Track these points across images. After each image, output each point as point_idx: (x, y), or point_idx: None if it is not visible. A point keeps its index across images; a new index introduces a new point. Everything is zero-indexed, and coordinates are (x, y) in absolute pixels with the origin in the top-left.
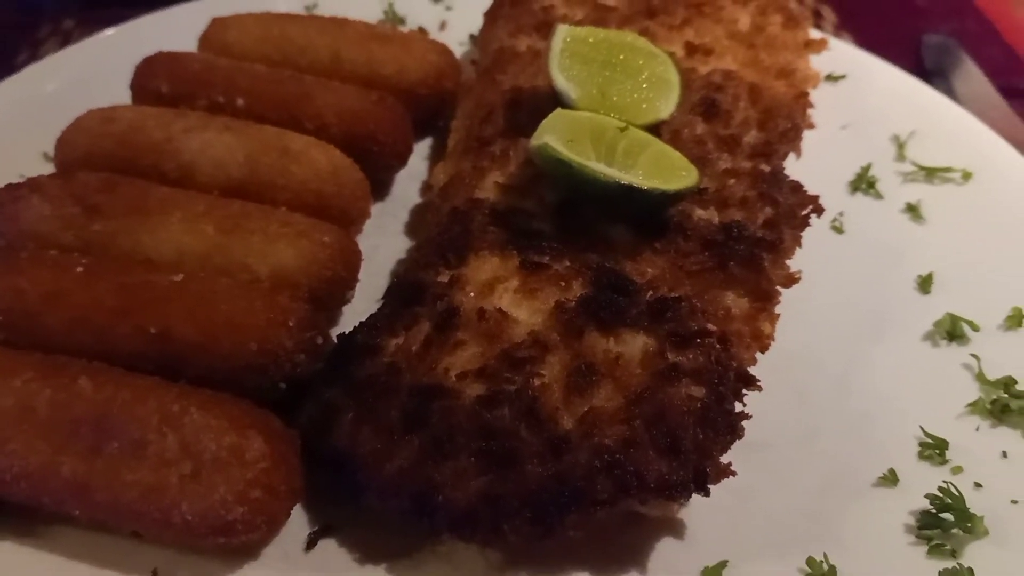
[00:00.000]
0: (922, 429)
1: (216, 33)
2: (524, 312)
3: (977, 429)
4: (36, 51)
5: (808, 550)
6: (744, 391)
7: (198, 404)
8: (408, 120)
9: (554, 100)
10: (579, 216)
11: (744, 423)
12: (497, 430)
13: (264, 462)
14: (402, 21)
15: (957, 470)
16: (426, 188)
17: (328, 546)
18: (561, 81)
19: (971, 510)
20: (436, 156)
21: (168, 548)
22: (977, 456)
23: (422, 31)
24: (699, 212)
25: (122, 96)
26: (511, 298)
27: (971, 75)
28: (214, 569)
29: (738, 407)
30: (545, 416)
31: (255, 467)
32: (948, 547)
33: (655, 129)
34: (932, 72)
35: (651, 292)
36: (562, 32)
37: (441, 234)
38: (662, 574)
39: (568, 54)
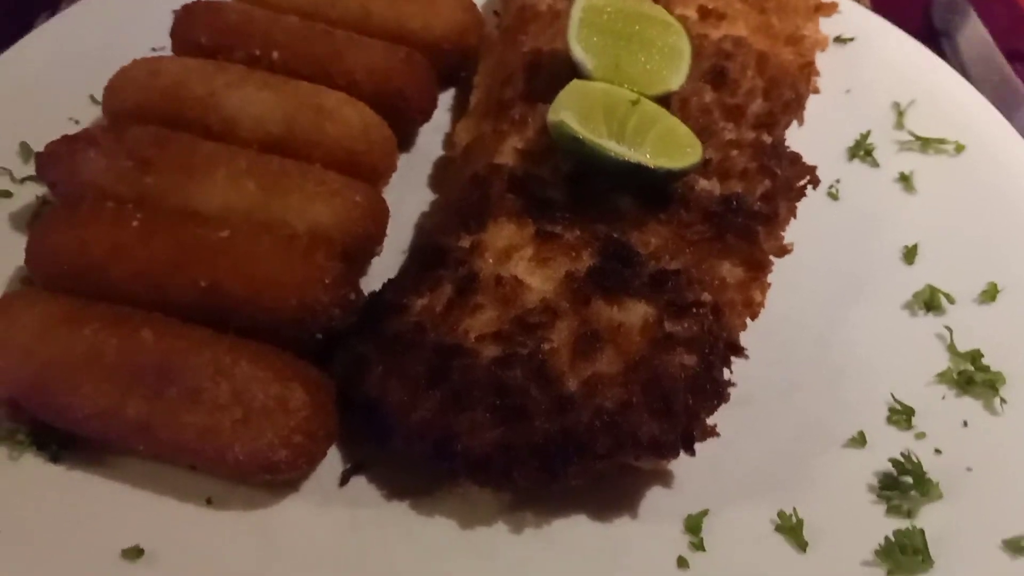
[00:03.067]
0: (892, 396)
1: None
2: (537, 279)
3: (943, 398)
4: None
5: (780, 503)
6: (732, 358)
7: (247, 356)
8: (434, 77)
9: (571, 65)
10: (590, 185)
11: (730, 378)
12: (510, 388)
13: (305, 410)
14: None
15: (920, 436)
16: (449, 144)
17: (359, 482)
18: (579, 52)
19: (929, 475)
20: (459, 107)
21: (221, 480)
22: (940, 423)
23: None
24: (702, 183)
25: (162, 37)
26: (526, 266)
27: (976, 37)
28: (261, 499)
29: (726, 373)
30: (553, 377)
31: (297, 415)
32: (905, 507)
33: (666, 98)
34: (940, 32)
35: (653, 262)
36: (580, 1)
37: (463, 199)
38: (651, 518)
39: (586, 24)
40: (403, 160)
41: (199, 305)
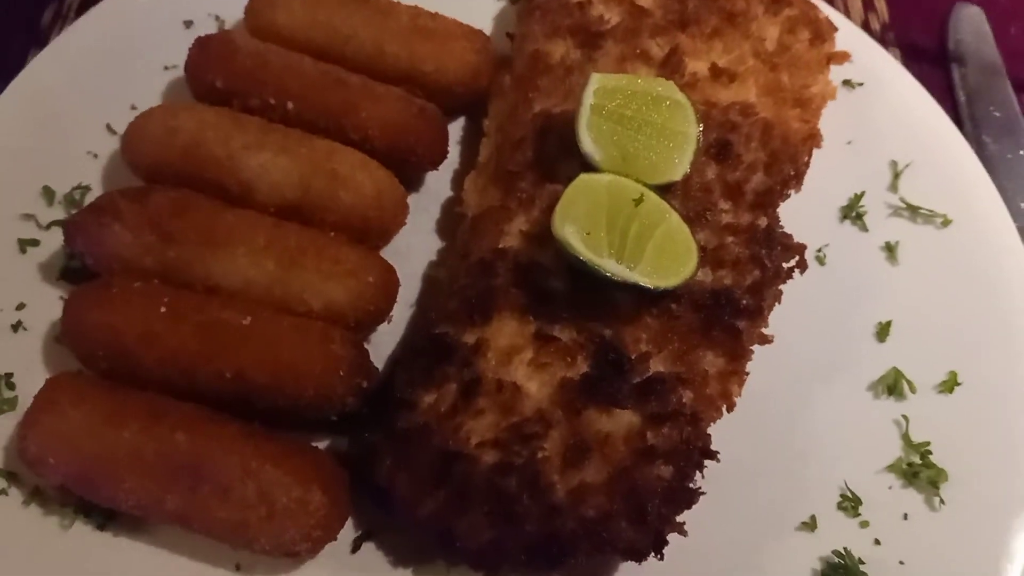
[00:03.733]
0: (845, 483)
1: (263, 8)
2: (534, 385)
3: (890, 487)
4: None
5: None
6: (705, 463)
7: (272, 460)
8: (445, 129)
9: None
10: (590, 277)
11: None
12: (505, 496)
13: (322, 509)
14: None
15: (864, 524)
16: (458, 200)
17: (369, 548)
18: (587, 144)
19: (865, 566)
20: (468, 140)
21: None
22: (884, 514)
23: None
24: (697, 272)
25: (173, 54)
26: (524, 371)
27: (987, 65)
28: (283, 566)
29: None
30: (544, 486)
31: (316, 514)
32: None
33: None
34: (952, 56)
35: (643, 367)
36: (593, 84)
37: (469, 286)
38: None
39: (596, 111)
40: (412, 201)
41: (226, 391)
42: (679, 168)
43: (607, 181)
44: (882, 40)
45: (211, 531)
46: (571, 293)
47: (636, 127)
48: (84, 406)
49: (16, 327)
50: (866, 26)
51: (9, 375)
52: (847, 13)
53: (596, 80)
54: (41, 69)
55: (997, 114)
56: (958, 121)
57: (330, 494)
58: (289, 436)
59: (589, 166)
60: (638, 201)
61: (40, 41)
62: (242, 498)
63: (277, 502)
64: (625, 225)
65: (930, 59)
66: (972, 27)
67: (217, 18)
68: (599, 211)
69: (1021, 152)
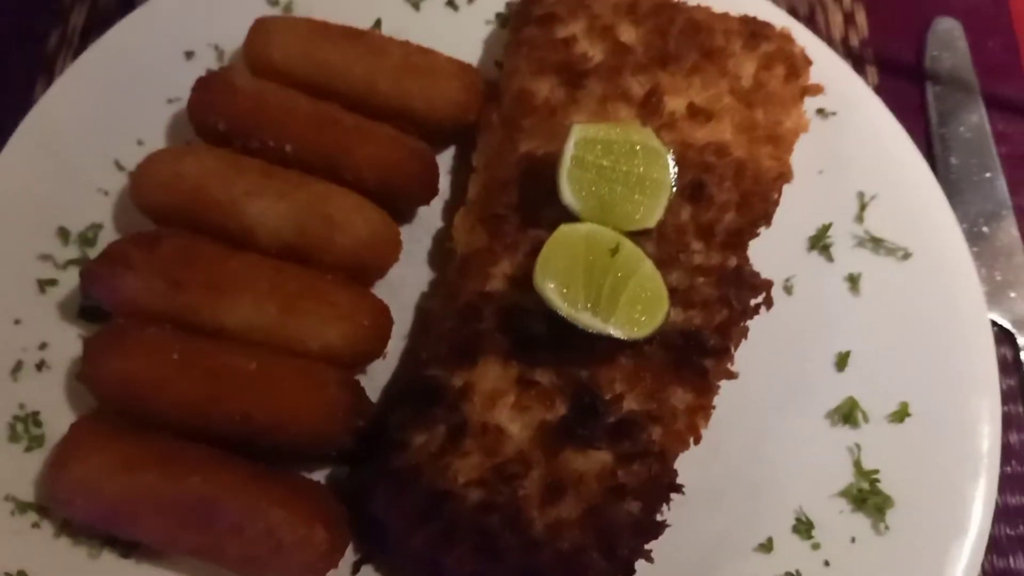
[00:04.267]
0: (800, 507)
1: (260, 46)
2: (516, 427)
3: (840, 512)
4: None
5: None
6: (671, 497)
7: (278, 501)
8: (436, 168)
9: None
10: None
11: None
12: (489, 531)
13: (325, 544)
14: None
15: (816, 547)
16: (449, 234)
17: (368, 571)
18: (568, 196)
19: None
20: (457, 170)
21: None
22: (833, 537)
23: (450, 5)
24: (669, 312)
25: (175, 87)
26: (507, 414)
27: (961, 83)
28: None
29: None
30: (524, 522)
31: (319, 548)
32: None
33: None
34: (928, 74)
35: (617, 407)
36: (574, 135)
37: (455, 331)
38: None
39: (576, 162)
40: (405, 232)
41: (234, 432)
42: (654, 215)
43: (585, 231)
44: (861, 57)
45: (225, 564)
46: (551, 337)
47: (614, 178)
48: (106, 451)
49: (40, 366)
50: (845, 42)
51: (36, 413)
52: (827, 28)
53: (577, 131)
54: (49, 108)
55: (967, 135)
56: (930, 140)
57: (331, 529)
58: (292, 472)
59: (569, 215)
60: (614, 251)
61: (46, 67)
62: (252, 536)
63: (284, 539)
64: (601, 278)
65: (907, 76)
66: (949, 42)
67: (216, 48)
68: (577, 265)
69: (986, 174)
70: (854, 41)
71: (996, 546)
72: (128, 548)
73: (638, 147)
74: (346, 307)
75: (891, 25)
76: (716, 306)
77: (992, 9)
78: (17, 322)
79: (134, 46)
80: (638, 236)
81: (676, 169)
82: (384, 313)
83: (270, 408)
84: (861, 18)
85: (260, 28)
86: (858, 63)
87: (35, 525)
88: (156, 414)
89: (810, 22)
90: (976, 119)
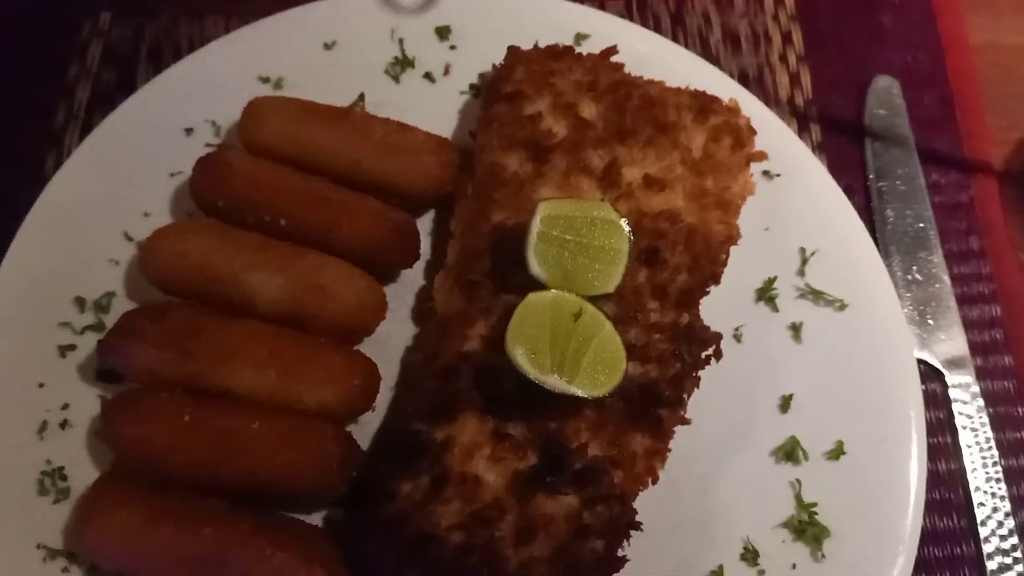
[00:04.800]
0: (747, 537)
1: (254, 127)
2: (492, 476)
3: (783, 541)
4: (84, 58)
5: None
6: (631, 533)
7: (282, 547)
8: (417, 238)
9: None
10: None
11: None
12: (469, 570)
13: None
14: (411, 63)
15: (761, 573)
16: (429, 295)
17: None
18: (535, 267)
19: None
20: (437, 231)
21: None
22: (776, 564)
23: (428, 78)
24: (628, 367)
25: (178, 161)
26: (484, 464)
27: (897, 139)
28: None
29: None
30: (500, 561)
31: None
32: None
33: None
34: (867, 131)
35: (582, 454)
36: (539, 212)
37: (436, 390)
38: None
39: (542, 238)
40: (389, 291)
41: (240, 485)
42: (613, 281)
43: (551, 299)
44: (805, 115)
45: None
46: (522, 394)
47: (576, 249)
48: (127, 508)
49: (63, 425)
50: (791, 101)
51: (61, 468)
52: (775, 88)
53: (542, 209)
54: (61, 186)
55: (902, 188)
56: (868, 193)
57: (329, 569)
58: (293, 517)
59: (537, 283)
60: (577, 316)
61: (55, 141)
62: None
63: None
64: (565, 343)
65: (849, 132)
66: (887, 99)
67: (214, 124)
68: (544, 331)
69: (920, 225)
70: (799, 100)
71: (926, 566)
72: None
73: (597, 221)
74: (339, 369)
75: (834, 84)
76: (670, 360)
77: (929, 65)
78: (41, 385)
79: (137, 125)
80: (600, 299)
81: (632, 237)
82: (373, 372)
83: (272, 463)
84: (806, 78)
85: (253, 111)
86: (803, 122)
87: (64, 570)
88: (170, 470)
89: (759, 83)
90: (912, 173)
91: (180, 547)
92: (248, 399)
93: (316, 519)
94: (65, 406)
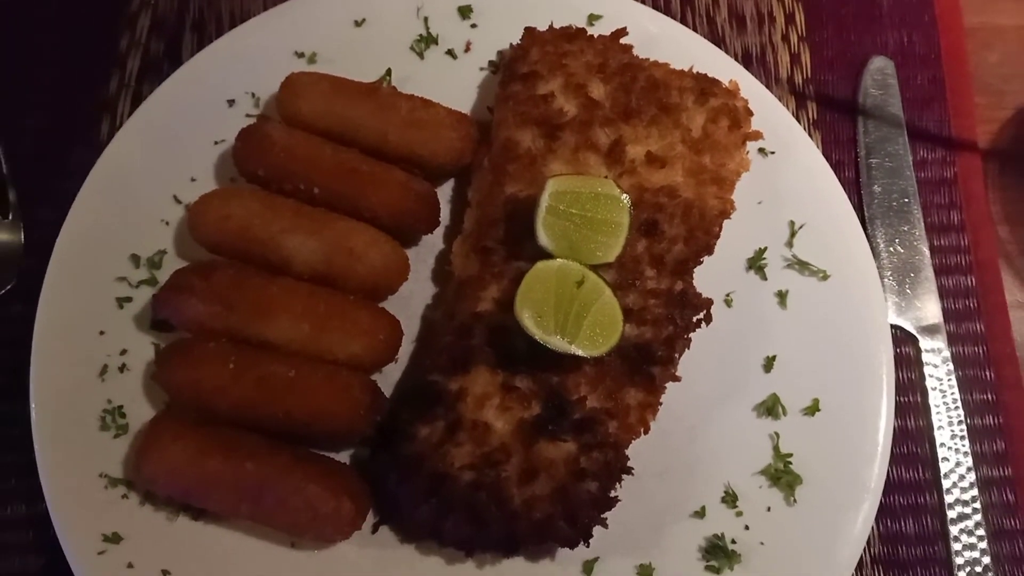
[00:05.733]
0: (728, 482)
1: (290, 101)
2: (500, 423)
3: (760, 487)
4: (134, 30)
5: (645, 556)
6: (623, 477)
7: (314, 479)
8: (437, 205)
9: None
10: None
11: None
12: (478, 505)
13: (351, 512)
14: (435, 40)
15: (739, 514)
16: (448, 258)
17: (384, 530)
18: (543, 238)
19: (735, 546)
20: (455, 200)
21: None
22: (753, 507)
23: (450, 54)
24: (626, 328)
25: (223, 130)
26: (493, 413)
27: (888, 118)
28: (324, 544)
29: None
30: (505, 498)
31: (346, 516)
32: (716, 566)
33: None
34: (860, 110)
35: (581, 406)
36: (548, 188)
37: (452, 345)
38: (561, 559)
39: (550, 211)
40: (412, 253)
41: (279, 425)
42: (614, 252)
43: (557, 267)
44: (804, 94)
45: (273, 527)
46: (529, 351)
47: (580, 222)
48: (180, 441)
49: (122, 368)
50: (791, 80)
51: (120, 407)
52: (776, 67)
53: (550, 185)
54: (115, 153)
55: (890, 164)
56: (858, 169)
57: (356, 501)
58: (325, 455)
59: (545, 252)
60: (580, 283)
61: (108, 108)
62: (294, 507)
63: (319, 509)
64: (568, 307)
65: (844, 110)
66: (881, 80)
67: (253, 95)
68: (549, 296)
69: (904, 200)
70: (798, 79)
71: (891, 512)
72: (198, 513)
73: (601, 197)
74: (366, 324)
75: (832, 63)
76: (664, 323)
77: (923, 47)
78: (102, 333)
79: (183, 97)
80: (601, 267)
81: (632, 210)
82: (396, 327)
83: (306, 407)
84: (806, 58)
85: (289, 85)
86: (801, 99)
87: (124, 496)
88: (217, 410)
89: (761, 61)
90: (900, 150)
91: (225, 477)
92: (285, 349)
93: (344, 457)
94: (123, 352)
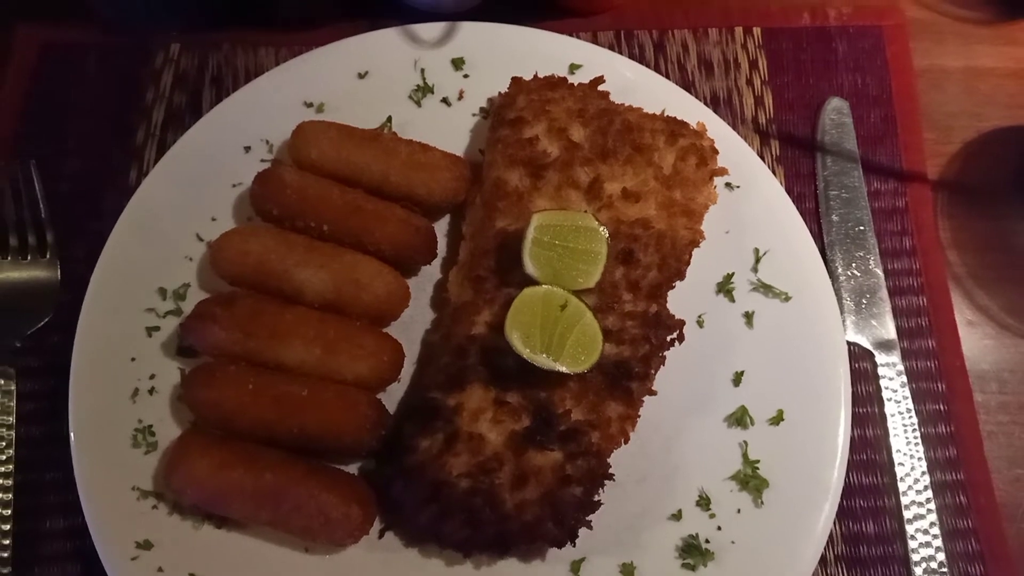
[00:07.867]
0: (702, 487)
1: (301, 146)
2: (493, 435)
3: (731, 491)
4: (159, 84)
5: (626, 556)
6: (605, 483)
7: (326, 488)
8: (435, 240)
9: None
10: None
11: (600, 497)
12: (474, 509)
13: (359, 518)
14: (431, 90)
15: (712, 516)
16: (444, 287)
17: (390, 535)
18: (529, 266)
19: (708, 546)
20: (451, 233)
21: None
22: (725, 509)
23: (445, 102)
24: (605, 347)
25: (239, 173)
26: (487, 425)
27: (844, 153)
28: (335, 548)
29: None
30: (498, 502)
31: (355, 522)
32: (692, 565)
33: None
34: (818, 147)
35: (566, 418)
36: (534, 222)
37: (450, 365)
38: (550, 558)
39: (535, 242)
40: (412, 283)
41: (294, 440)
42: (593, 278)
43: (542, 292)
44: (767, 132)
45: (289, 532)
46: (519, 369)
47: (563, 252)
48: (206, 456)
49: (151, 391)
50: (755, 120)
51: (150, 426)
52: (741, 109)
53: (535, 219)
54: (144, 195)
55: (846, 196)
56: (818, 200)
57: (364, 507)
58: (335, 467)
59: (531, 279)
60: (563, 307)
61: (136, 156)
62: (308, 513)
63: (331, 515)
64: (553, 328)
65: (803, 147)
66: (837, 119)
67: (267, 142)
68: (535, 319)
69: (860, 227)
70: (762, 119)
71: (852, 514)
72: (221, 521)
73: (581, 229)
74: (371, 347)
75: (792, 105)
76: (640, 342)
77: (876, 89)
78: (133, 359)
79: (204, 144)
80: (583, 292)
81: (610, 241)
82: (398, 350)
83: (319, 422)
84: (769, 100)
85: (300, 133)
86: (765, 138)
87: (154, 507)
88: (238, 427)
89: (728, 103)
90: (855, 182)
91: (246, 487)
92: (298, 371)
93: (353, 468)
94: (152, 376)
